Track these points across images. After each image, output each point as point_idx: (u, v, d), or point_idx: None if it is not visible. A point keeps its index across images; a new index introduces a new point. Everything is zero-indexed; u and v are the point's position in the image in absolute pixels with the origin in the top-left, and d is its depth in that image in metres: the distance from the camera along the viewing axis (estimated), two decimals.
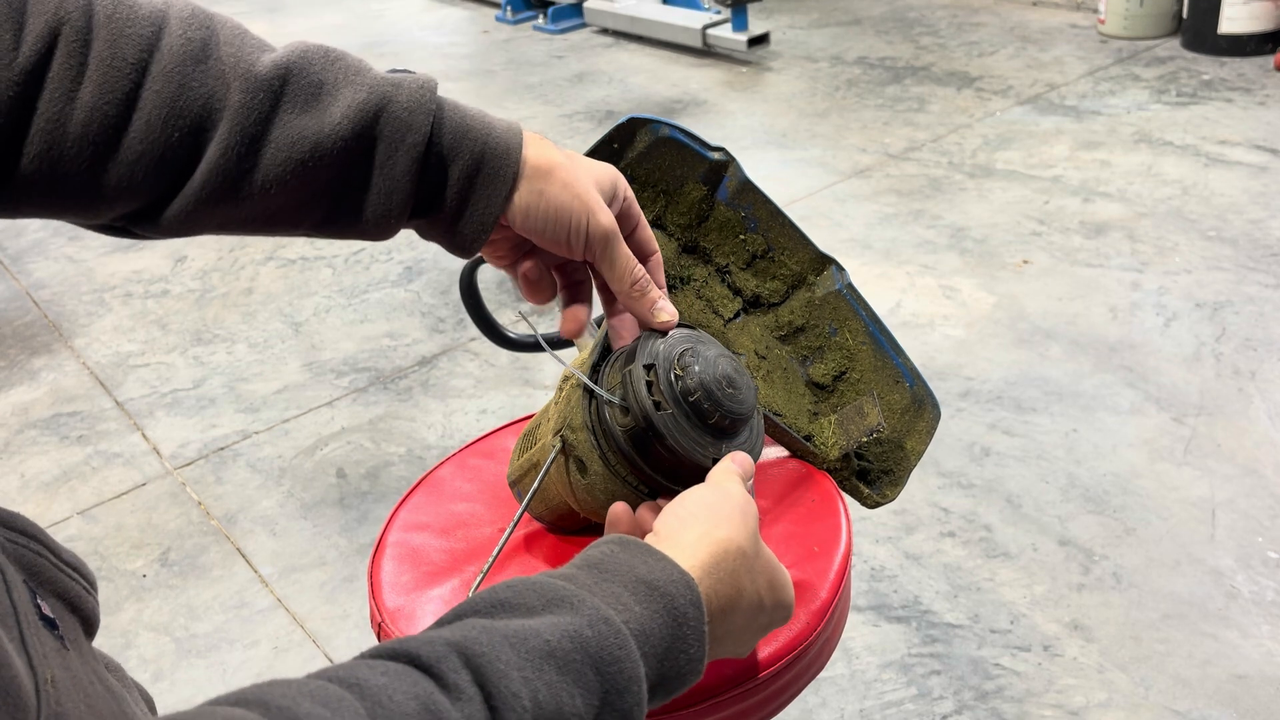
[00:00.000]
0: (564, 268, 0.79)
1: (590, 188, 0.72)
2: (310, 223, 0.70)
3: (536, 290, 0.78)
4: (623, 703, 0.54)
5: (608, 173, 0.75)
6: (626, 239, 0.76)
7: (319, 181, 0.67)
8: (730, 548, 0.64)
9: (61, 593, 0.60)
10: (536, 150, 0.71)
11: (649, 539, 0.66)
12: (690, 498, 0.68)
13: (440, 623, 0.55)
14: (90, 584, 0.63)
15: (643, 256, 0.78)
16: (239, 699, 0.47)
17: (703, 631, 0.59)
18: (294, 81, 0.66)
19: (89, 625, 0.62)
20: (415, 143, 0.67)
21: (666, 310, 0.76)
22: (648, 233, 0.78)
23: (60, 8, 0.62)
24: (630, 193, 0.77)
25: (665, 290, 0.78)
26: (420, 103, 0.68)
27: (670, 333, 0.77)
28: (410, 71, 0.71)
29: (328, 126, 0.66)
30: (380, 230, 0.70)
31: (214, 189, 0.65)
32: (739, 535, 0.65)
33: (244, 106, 0.65)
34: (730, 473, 0.71)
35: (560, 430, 0.80)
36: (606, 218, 0.72)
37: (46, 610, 0.57)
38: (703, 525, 0.65)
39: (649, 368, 0.74)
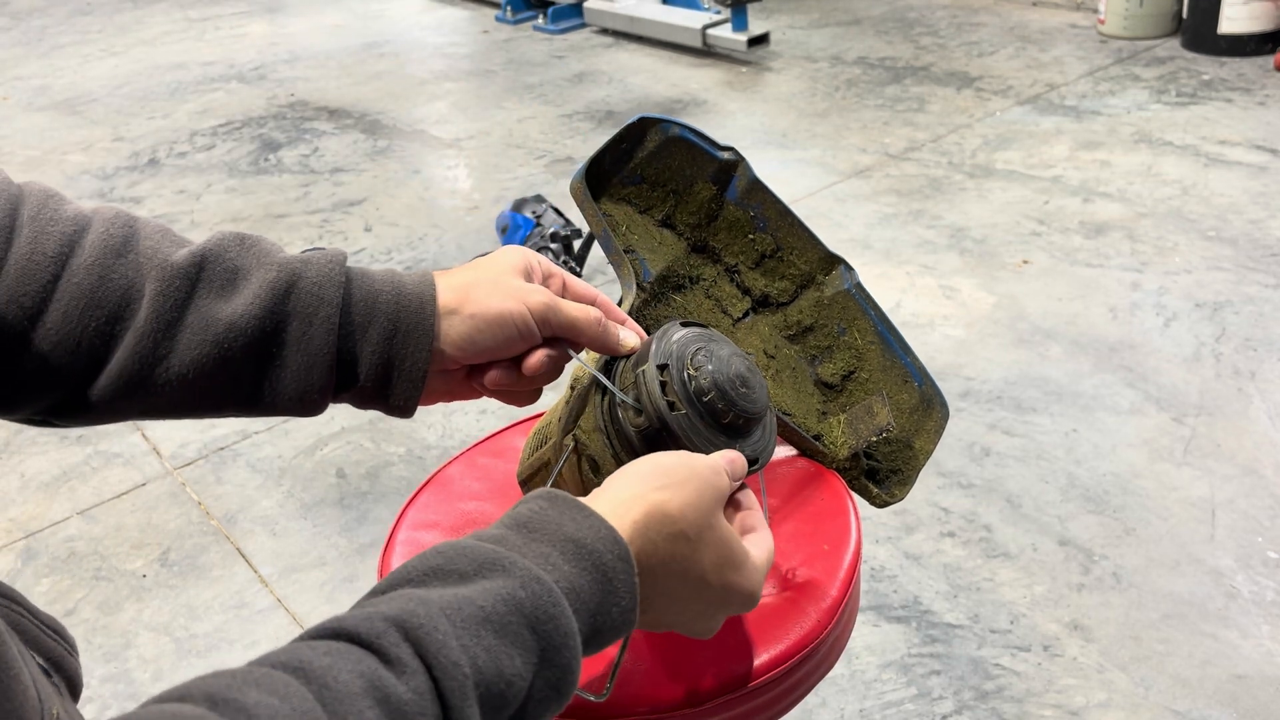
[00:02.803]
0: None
1: (509, 278, 0.73)
2: (234, 404, 0.70)
3: (516, 395, 0.78)
4: (560, 658, 0.56)
5: (516, 255, 0.76)
6: (561, 296, 0.77)
7: (235, 363, 0.68)
8: (667, 510, 0.63)
9: (45, 652, 0.60)
10: (445, 285, 0.72)
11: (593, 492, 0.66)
12: (647, 460, 0.68)
13: (374, 592, 0.56)
14: (70, 645, 0.63)
15: (587, 302, 0.78)
16: (183, 694, 0.47)
17: (633, 584, 0.60)
18: (209, 268, 0.68)
19: (72, 687, 0.62)
20: (328, 315, 0.68)
21: (631, 338, 0.77)
22: (577, 282, 0.79)
23: None
24: (541, 257, 0.78)
25: (624, 318, 0.79)
26: (329, 276, 0.69)
27: (683, 332, 0.77)
28: (322, 249, 0.72)
29: (240, 307, 0.67)
30: (305, 406, 0.70)
31: (130, 375, 0.66)
32: (678, 501, 0.64)
33: (160, 294, 0.66)
34: (714, 458, 0.71)
35: (572, 430, 0.80)
36: (539, 295, 0.73)
37: (40, 660, 0.57)
38: (642, 486, 0.64)
39: (662, 368, 0.74)
